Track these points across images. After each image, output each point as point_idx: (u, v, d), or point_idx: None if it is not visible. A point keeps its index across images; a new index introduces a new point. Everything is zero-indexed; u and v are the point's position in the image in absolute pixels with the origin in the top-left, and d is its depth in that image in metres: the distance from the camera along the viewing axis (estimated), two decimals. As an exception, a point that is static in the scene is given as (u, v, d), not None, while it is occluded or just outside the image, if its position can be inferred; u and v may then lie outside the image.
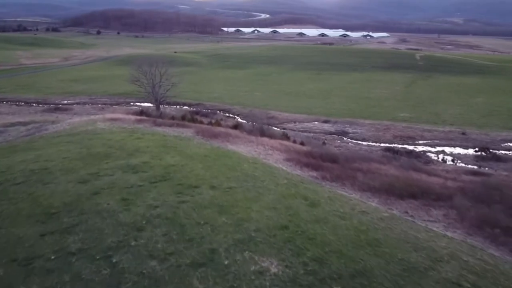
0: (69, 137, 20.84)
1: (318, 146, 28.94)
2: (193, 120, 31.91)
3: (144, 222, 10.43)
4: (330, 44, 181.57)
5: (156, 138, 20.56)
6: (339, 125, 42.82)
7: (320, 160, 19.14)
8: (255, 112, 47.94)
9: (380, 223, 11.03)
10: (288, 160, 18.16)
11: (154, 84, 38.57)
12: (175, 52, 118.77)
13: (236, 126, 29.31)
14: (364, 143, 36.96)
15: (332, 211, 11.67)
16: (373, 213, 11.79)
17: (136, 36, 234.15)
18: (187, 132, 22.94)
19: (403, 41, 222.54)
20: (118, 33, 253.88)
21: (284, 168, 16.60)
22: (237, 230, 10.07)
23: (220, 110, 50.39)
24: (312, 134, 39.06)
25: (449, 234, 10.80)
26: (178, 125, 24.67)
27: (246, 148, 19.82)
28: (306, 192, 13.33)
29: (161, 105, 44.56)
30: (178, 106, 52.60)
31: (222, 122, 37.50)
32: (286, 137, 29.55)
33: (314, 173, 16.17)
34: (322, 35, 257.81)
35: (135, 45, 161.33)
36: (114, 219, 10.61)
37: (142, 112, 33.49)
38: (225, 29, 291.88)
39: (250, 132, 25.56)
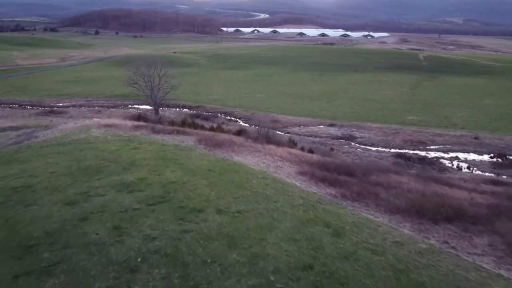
0: (59, 147, 19.06)
1: (327, 153, 27.22)
2: (194, 125, 30.16)
3: (139, 260, 8.68)
4: (331, 44, 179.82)
5: (155, 148, 18.79)
6: (345, 129, 41.07)
7: (336, 173, 17.41)
8: (258, 115, 46.23)
9: (421, 259, 9.29)
10: (301, 173, 16.41)
11: (153, 87, 36.62)
12: (174, 52, 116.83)
13: (240, 132, 27.56)
14: (373, 148, 35.20)
15: (361, 243, 9.93)
16: (409, 245, 10.05)
17: (135, 36, 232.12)
18: (188, 140, 21.17)
19: (404, 41, 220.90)
20: (117, 33, 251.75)
21: (297, 184, 14.85)
22: (251, 271, 8.32)
23: (221, 113, 48.58)
24: (318, 139, 37.30)
25: (503, 273, 9.05)
26: (178, 132, 22.90)
27: (253, 159, 18.06)
28: (327, 217, 11.59)
29: (160, 107, 42.73)
30: (177, 109, 50.77)
31: (224, 127, 35.79)
32: (293, 143, 27.83)
33: (332, 190, 14.42)
34: (323, 35, 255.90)
35: (133, 45, 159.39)
36: (104, 256, 8.86)
37: (139, 116, 31.72)
38: (224, 29, 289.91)
39: (255, 139, 23.79)
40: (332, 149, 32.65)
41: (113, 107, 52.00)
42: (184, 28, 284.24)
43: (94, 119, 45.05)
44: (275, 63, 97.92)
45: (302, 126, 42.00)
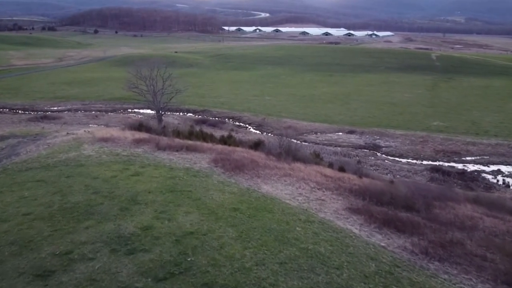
0: (41, 172, 15.25)
1: (357, 169, 23.38)
2: (203, 136, 26.29)
3: None
4: (336, 43, 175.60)
5: (161, 173, 14.96)
6: (367, 136, 37.25)
7: (392, 207, 13.67)
8: (269, 121, 42.41)
9: None
10: (352, 211, 12.61)
11: (156, 91, 32.71)
12: (176, 52, 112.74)
13: (258, 145, 23.71)
14: (403, 160, 31.37)
15: None
16: None
17: (135, 35, 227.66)
18: (201, 160, 17.35)
19: (409, 40, 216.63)
20: (116, 32, 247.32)
21: (355, 231, 11.03)
22: None
23: (229, 118, 44.68)
24: (339, 149, 33.48)
25: None
26: (187, 149, 19.10)
27: (285, 189, 14.25)
28: (423, 299, 7.79)
29: (163, 111, 38.72)
30: (181, 113, 46.90)
31: (235, 135, 31.98)
32: (318, 157, 24.02)
33: (405, 241, 10.61)
34: (326, 34, 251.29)
35: (133, 45, 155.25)
36: None
37: (141, 125, 27.83)
38: (226, 28, 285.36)
39: (278, 156, 19.98)
40: (359, 162, 28.84)
41: (111, 111, 48.10)
42: (185, 27, 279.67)
43: (90, 125, 41.33)
44: (281, 63, 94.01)
45: (319, 134, 38.14)
